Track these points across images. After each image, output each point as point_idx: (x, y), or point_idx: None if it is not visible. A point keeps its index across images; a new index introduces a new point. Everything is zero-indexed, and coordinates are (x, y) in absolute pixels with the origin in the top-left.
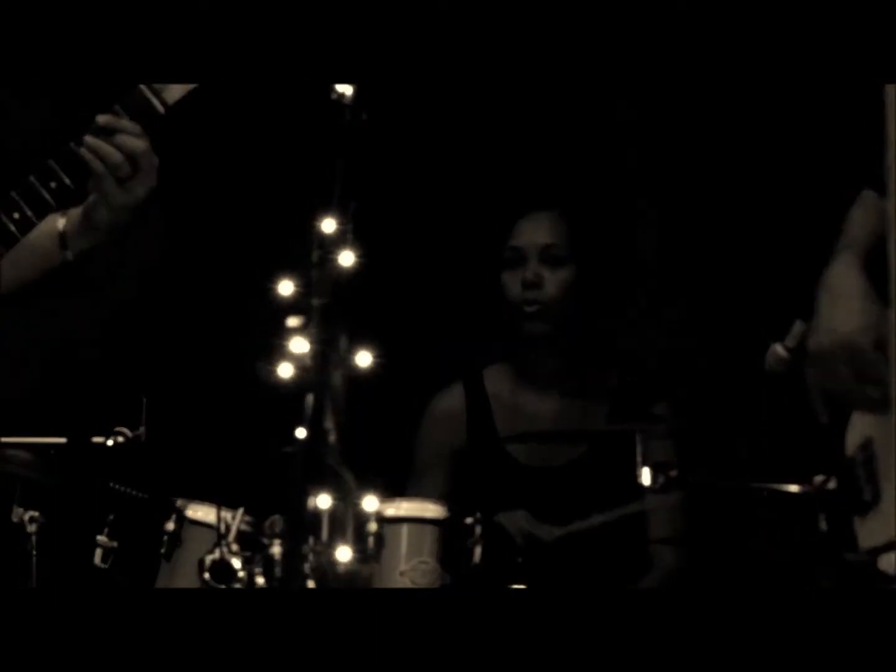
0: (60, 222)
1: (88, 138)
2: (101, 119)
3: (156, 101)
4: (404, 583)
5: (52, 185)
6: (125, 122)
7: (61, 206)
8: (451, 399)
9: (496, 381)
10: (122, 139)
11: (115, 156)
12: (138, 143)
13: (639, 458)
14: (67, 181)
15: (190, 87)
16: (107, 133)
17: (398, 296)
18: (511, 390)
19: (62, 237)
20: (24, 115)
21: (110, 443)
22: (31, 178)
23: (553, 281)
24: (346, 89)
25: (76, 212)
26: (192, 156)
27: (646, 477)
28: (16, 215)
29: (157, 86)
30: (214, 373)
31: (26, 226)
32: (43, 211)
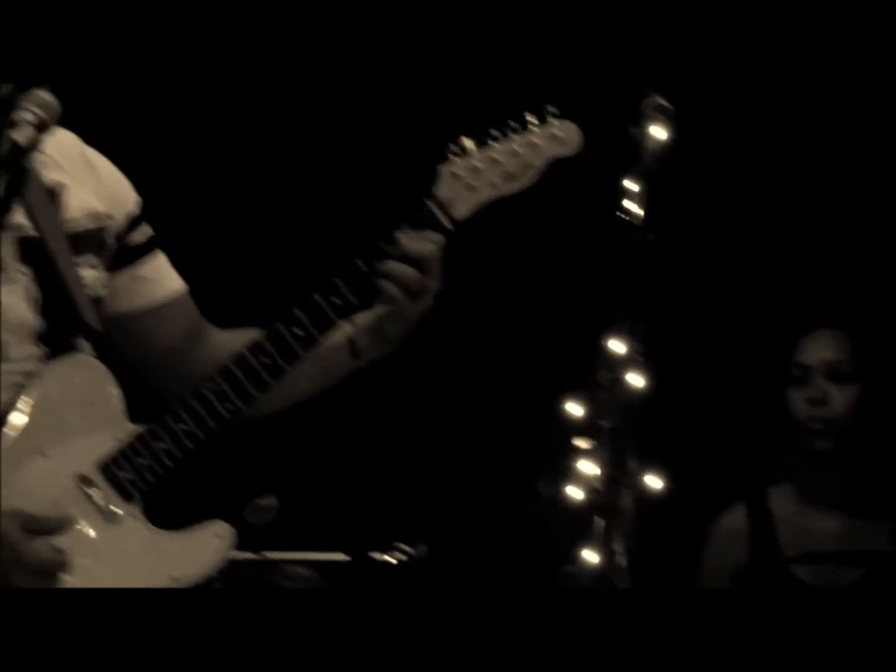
0: (349, 331)
1: (385, 262)
2: (400, 236)
3: (443, 218)
4: None
5: (337, 302)
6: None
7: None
8: (735, 519)
9: (780, 500)
10: (417, 246)
11: (410, 274)
12: (431, 248)
13: None
14: (353, 300)
15: (478, 202)
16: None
17: (684, 417)
18: (795, 510)
19: (353, 346)
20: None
21: (392, 560)
22: (316, 297)
23: (839, 399)
24: (634, 209)
25: (364, 320)
26: (478, 272)
27: None
28: (299, 332)
29: (444, 201)
30: (499, 490)
31: (309, 343)
32: (326, 328)
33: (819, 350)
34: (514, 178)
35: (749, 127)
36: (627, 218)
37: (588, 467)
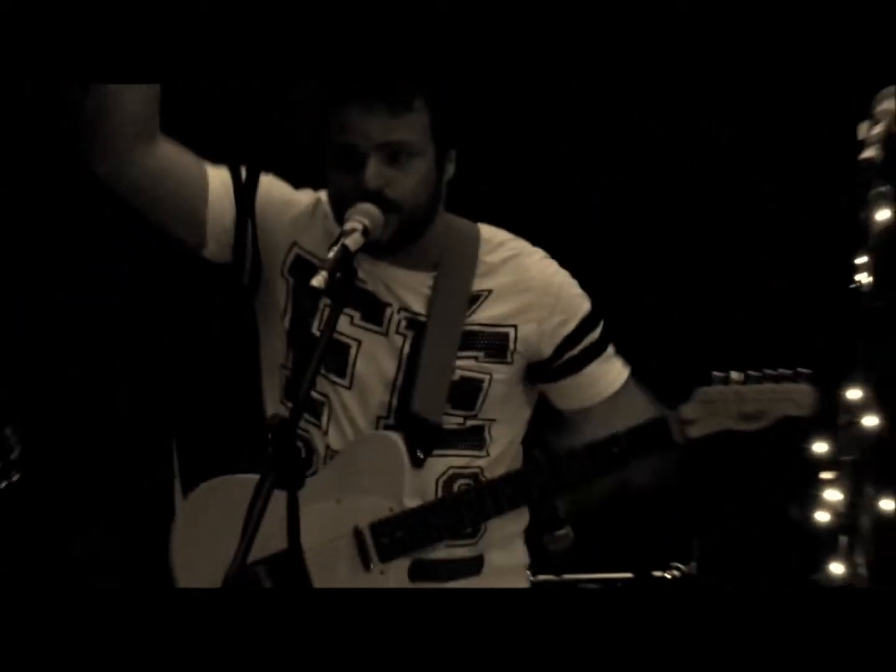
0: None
1: None
2: None
3: (678, 434)
4: None
5: None
6: None
7: None
8: None
9: None
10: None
11: None
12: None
13: None
14: None
15: (712, 430)
16: None
17: None
18: None
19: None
20: None
21: (668, 576)
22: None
23: None
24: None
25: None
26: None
27: None
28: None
29: (687, 420)
30: (755, 518)
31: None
32: None
33: None
34: (749, 421)
35: None
36: (860, 287)
37: (833, 495)
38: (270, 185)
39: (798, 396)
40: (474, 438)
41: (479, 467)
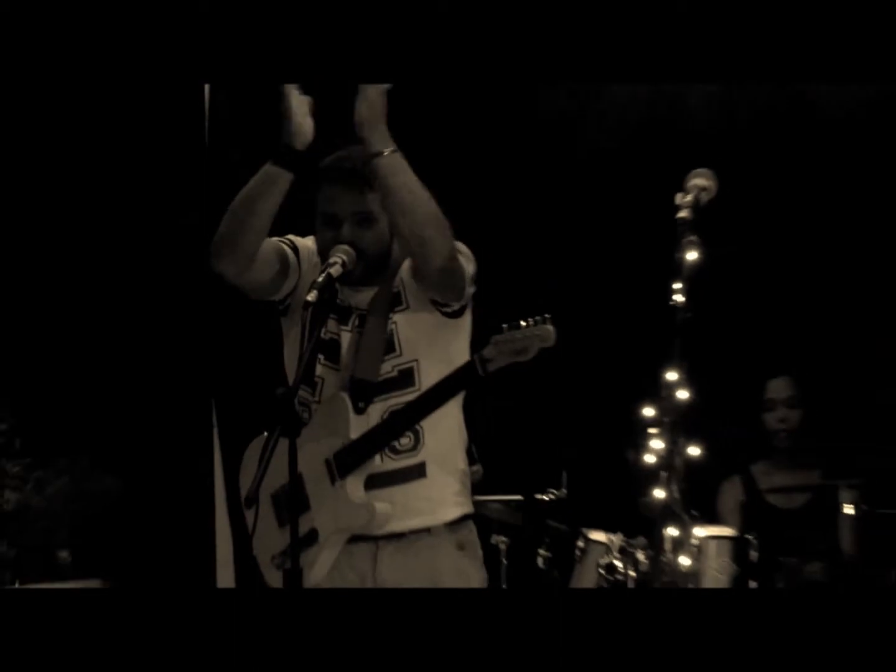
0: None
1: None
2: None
3: (481, 368)
4: (713, 574)
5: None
6: None
7: None
8: (735, 479)
9: (759, 468)
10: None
11: None
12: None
13: (840, 501)
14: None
15: (502, 363)
16: None
17: (709, 417)
18: (766, 471)
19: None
20: None
21: (546, 498)
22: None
23: (794, 419)
24: (678, 299)
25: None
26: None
27: (848, 509)
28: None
29: (487, 358)
30: (604, 458)
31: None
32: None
33: (780, 390)
34: (520, 354)
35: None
36: (676, 304)
37: (656, 444)
38: (302, 243)
39: (544, 334)
40: (406, 380)
41: (411, 400)
